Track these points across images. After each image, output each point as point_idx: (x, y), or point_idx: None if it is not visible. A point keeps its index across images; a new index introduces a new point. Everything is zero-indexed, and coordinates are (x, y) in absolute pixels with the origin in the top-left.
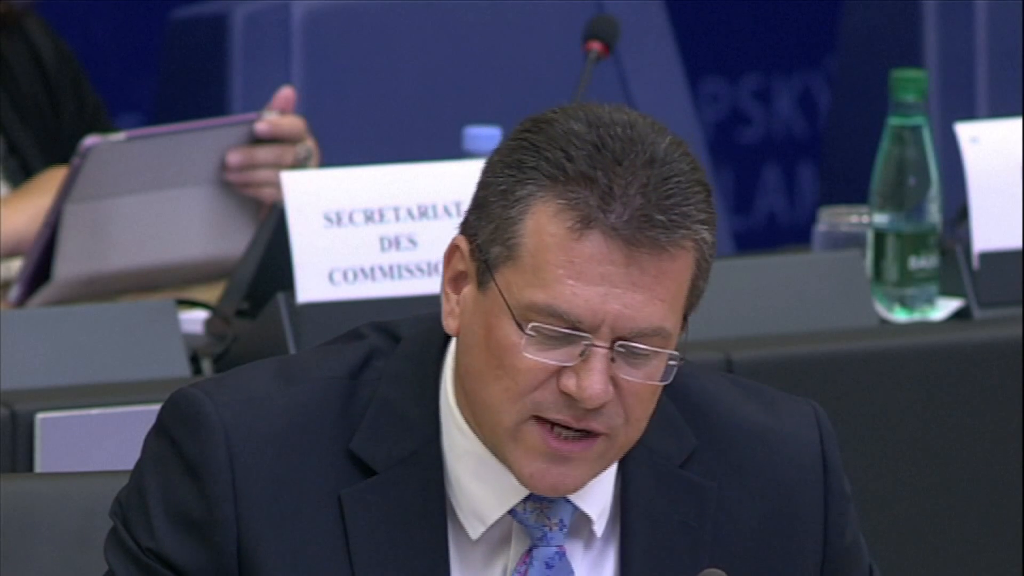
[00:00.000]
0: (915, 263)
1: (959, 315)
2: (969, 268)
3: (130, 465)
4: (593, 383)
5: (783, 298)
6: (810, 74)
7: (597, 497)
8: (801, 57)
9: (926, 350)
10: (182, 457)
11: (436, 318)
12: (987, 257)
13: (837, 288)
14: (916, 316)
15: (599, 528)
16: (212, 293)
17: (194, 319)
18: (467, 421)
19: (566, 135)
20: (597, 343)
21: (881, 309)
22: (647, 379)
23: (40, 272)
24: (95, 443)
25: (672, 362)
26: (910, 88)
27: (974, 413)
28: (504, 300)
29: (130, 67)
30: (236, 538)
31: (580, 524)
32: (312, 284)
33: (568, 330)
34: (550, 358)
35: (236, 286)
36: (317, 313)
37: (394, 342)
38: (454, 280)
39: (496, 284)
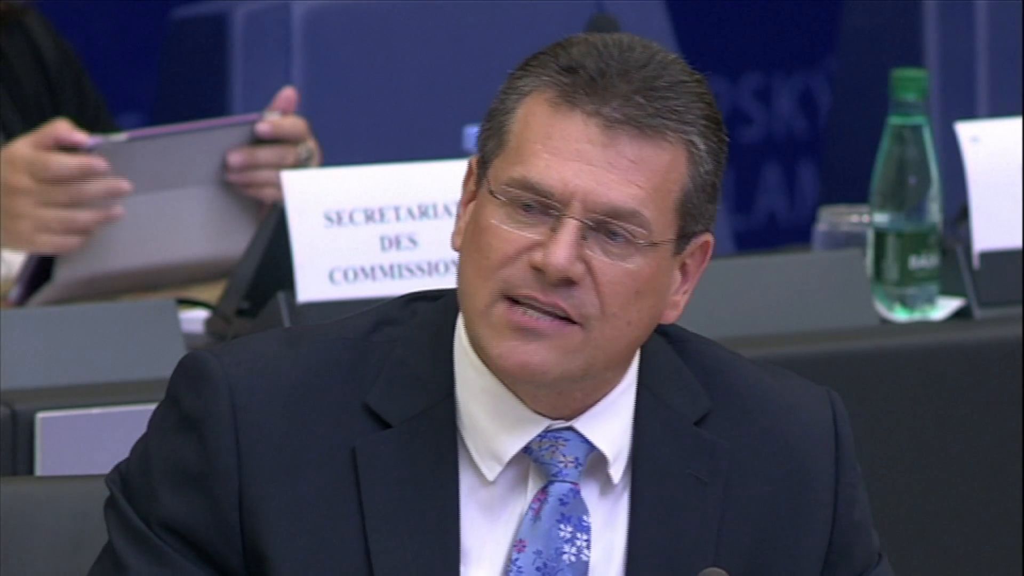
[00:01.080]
0: (915, 262)
1: (959, 315)
2: (969, 267)
3: None
4: (559, 251)
5: (783, 298)
6: (811, 74)
7: (611, 436)
8: (802, 57)
9: (926, 350)
10: (182, 413)
11: (450, 294)
12: (987, 256)
13: (837, 288)
14: (916, 316)
15: (616, 473)
16: (213, 292)
17: (194, 318)
18: (479, 357)
19: (574, 43)
20: (567, 215)
21: (881, 309)
22: (618, 260)
23: (41, 272)
24: (95, 443)
25: (641, 241)
26: (910, 87)
27: (974, 413)
28: (489, 188)
29: (131, 66)
30: (237, 489)
31: (596, 467)
32: (312, 283)
33: (538, 198)
34: (522, 231)
35: (236, 285)
36: (317, 312)
37: (410, 313)
38: (466, 202)
39: (487, 177)
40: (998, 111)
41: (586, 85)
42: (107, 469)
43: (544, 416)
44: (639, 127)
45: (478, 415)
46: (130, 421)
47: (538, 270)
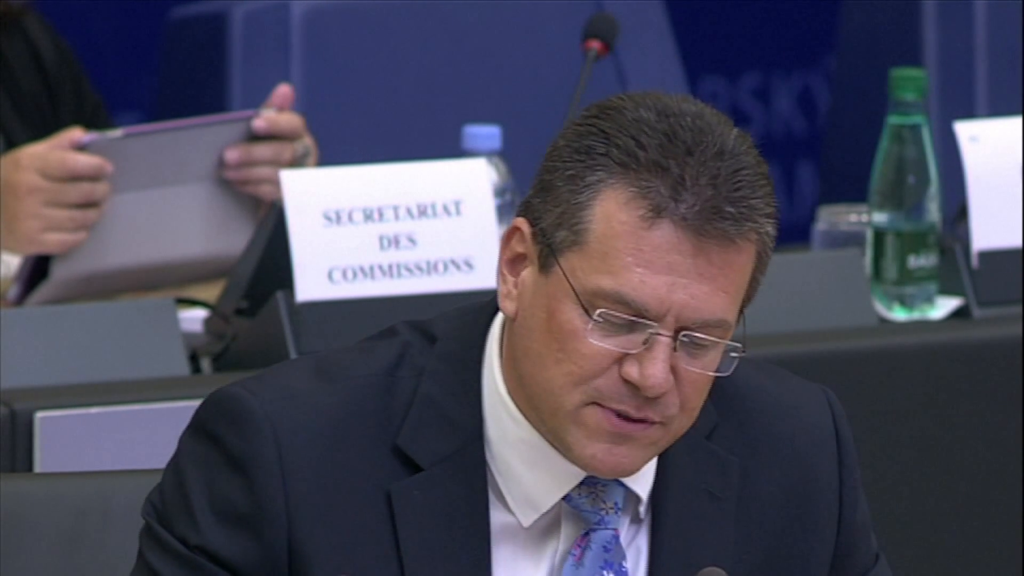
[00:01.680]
0: (914, 262)
1: (958, 314)
2: (968, 267)
3: (129, 464)
4: (656, 372)
5: (782, 297)
6: (809, 73)
7: (646, 477)
8: (800, 56)
9: (925, 349)
10: (228, 454)
11: (469, 312)
12: (986, 256)
13: (836, 287)
14: (915, 315)
15: (643, 509)
16: (211, 292)
17: (193, 318)
18: (519, 408)
19: (636, 123)
20: (662, 332)
21: (880, 308)
22: (706, 369)
23: (38, 270)
24: (94, 442)
25: (733, 354)
26: (909, 87)
27: (974, 412)
28: (569, 284)
29: (129, 66)
30: (287, 533)
31: (630, 503)
32: (311, 283)
33: (634, 318)
34: (614, 344)
35: (235, 285)
36: (316, 312)
37: (428, 340)
38: (511, 262)
39: (561, 268)
40: (997, 110)
41: (672, 189)
42: (106, 468)
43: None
44: (727, 233)
45: (515, 464)
46: (129, 420)
47: (630, 383)
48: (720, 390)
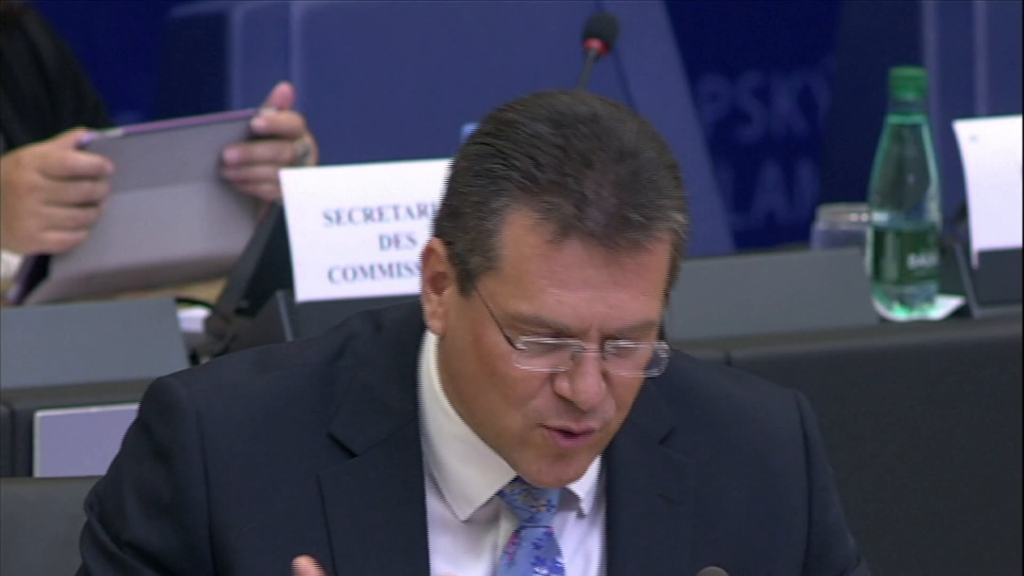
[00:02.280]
0: (914, 261)
1: (958, 313)
2: (968, 266)
3: None
4: (587, 387)
5: (782, 297)
6: (809, 72)
7: (584, 477)
8: (801, 55)
9: (925, 349)
10: (154, 442)
11: (417, 305)
12: (986, 255)
13: (836, 287)
14: (915, 314)
15: (586, 506)
16: (211, 291)
17: (193, 317)
18: (454, 407)
19: (532, 139)
20: (587, 346)
21: (880, 307)
22: (636, 369)
23: (38, 270)
24: (94, 441)
25: (663, 354)
26: (909, 86)
27: (974, 412)
28: (489, 310)
29: (129, 66)
30: (207, 521)
31: (568, 501)
32: (311, 282)
33: (557, 340)
34: (542, 366)
35: (235, 284)
36: (316, 311)
37: (375, 329)
38: (433, 281)
39: (479, 294)
40: (997, 110)
41: (575, 207)
42: (106, 468)
43: None
44: (637, 240)
45: (450, 460)
46: (129, 420)
47: (565, 398)
48: (681, 394)
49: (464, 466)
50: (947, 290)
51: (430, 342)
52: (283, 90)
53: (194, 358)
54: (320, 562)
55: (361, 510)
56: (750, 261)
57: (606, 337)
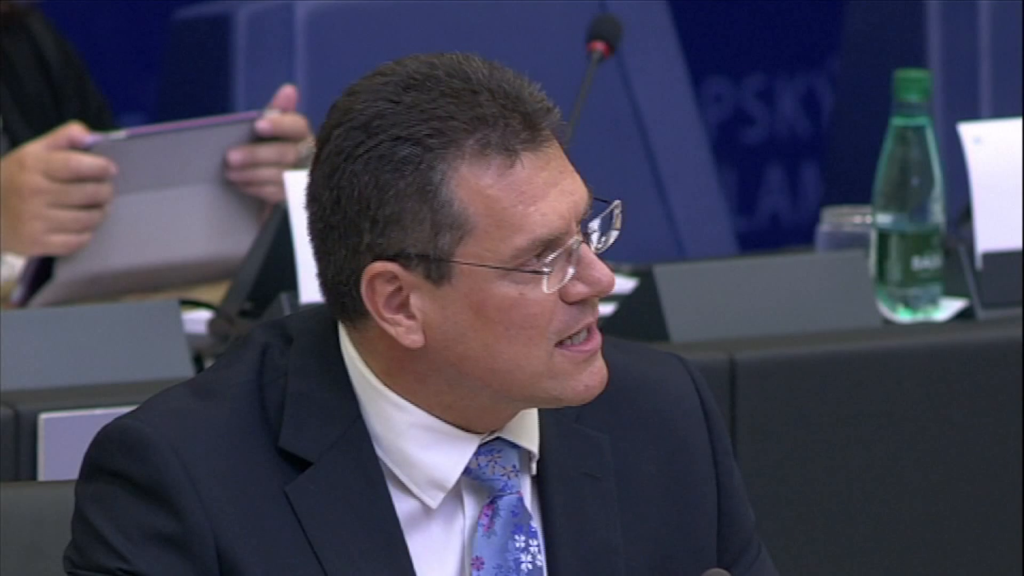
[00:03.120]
0: (918, 263)
1: (962, 315)
2: (972, 268)
3: None
4: (601, 270)
5: (786, 298)
6: (813, 74)
7: (531, 433)
8: (804, 57)
9: (929, 351)
10: (134, 485)
11: (315, 310)
12: (990, 257)
13: (840, 288)
14: (919, 316)
15: (534, 464)
16: (216, 293)
17: (197, 319)
18: (401, 396)
19: (411, 109)
20: (581, 240)
21: (884, 309)
22: (607, 244)
23: (42, 272)
24: None
25: (617, 211)
26: (913, 88)
27: (978, 413)
28: (486, 268)
29: (133, 67)
30: (214, 545)
31: (523, 464)
32: (315, 284)
33: (560, 249)
34: (561, 279)
35: (239, 286)
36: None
37: (284, 339)
38: (388, 304)
39: (464, 265)
40: (1001, 112)
41: (498, 128)
42: None
43: (473, 432)
44: (547, 125)
45: (409, 450)
46: None
47: (576, 302)
48: None
49: (427, 452)
50: (951, 292)
51: (346, 344)
52: (287, 92)
53: (198, 360)
54: (313, 571)
55: (334, 516)
56: (754, 263)
57: (583, 219)
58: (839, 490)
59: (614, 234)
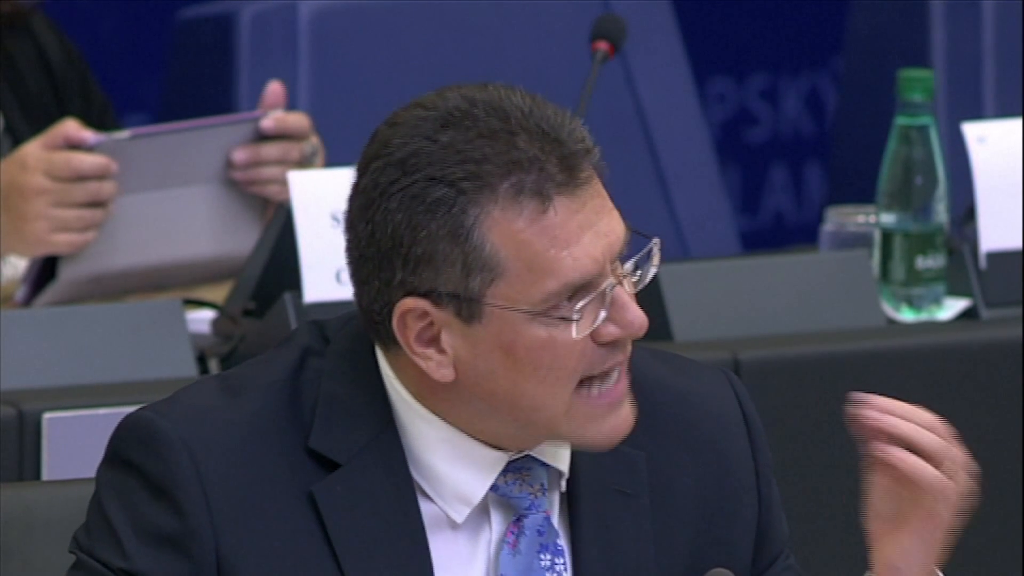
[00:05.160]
0: (922, 263)
1: (966, 315)
2: (976, 268)
3: None
4: (635, 312)
5: (790, 298)
6: (817, 74)
7: (562, 451)
8: (808, 57)
9: (933, 350)
10: (146, 479)
11: (352, 315)
12: (994, 257)
13: (844, 288)
14: (923, 316)
15: (564, 482)
16: (219, 293)
17: (201, 319)
18: (431, 411)
19: (446, 149)
20: (615, 281)
21: (888, 309)
22: (644, 282)
23: (46, 271)
24: (102, 443)
25: (656, 250)
26: (917, 88)
27: (981, 413)
28: (517, 312)
29: (137, 67)
30: (214, 548)
31: (552, 482)
32: (319, 284)
33: (593, 293)
34: (592, 323)
35: (243, 286)
36: (324, 313)
37: (324, 340)
38: (420, 339)
39: (495, 307)
40: (1005, 111)
41: (534, 171)
42: None
43: (502, 450)
44: (586, 166)
45: (437, 464)
46: None
47: (607, 343)
48: None
49: (453, 467)
50: (955, 291)
51: (384, 365)
52: (275, 88)
53: (202, 360)
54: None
55: (359, 519)
56: (758, 262)
57: (617, 260)
58: (843, 489)
59: (652, 271)
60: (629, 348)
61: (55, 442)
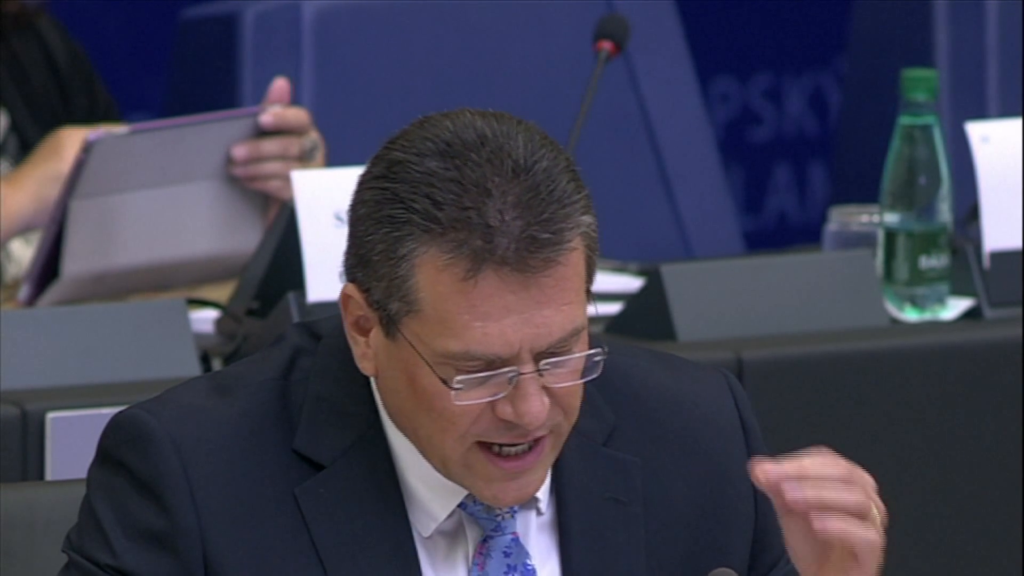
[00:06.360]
0: (926, 262)
1: (970, 315)
2: (980, 267)
3: None
4: (531, 407)
5: (794, 298)
6: (821, 74)
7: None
8: (812, 57)
9: (937, 350)
10: (134, 477)
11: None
12: (998, 256)
13: (848, 288)
14: (927, 316)
15: (544, 504)
16: (223, 292)
17: (205, 318)
18: (398, 427)
19: (425, 178)
20: (522, 369)
21: (892, 309)
22: (575, 377)
23: (48, 270)
24: None
25: (598, 358)
26: (921, 87)
27: (984, 413)
28: (418, 352)
29: (141, 67)
30: (201, 546)
31: (528, 502)
32: (322, 283)
33: (491, 371)
34: (481, 396)
35: (247, 285)
36: (327, 312)
37: (315, 340)
38: (356, 324)
39: (405, 336)
40: (1008, 111)
41: (483, 239)
42: None
43: None
44: (549, 257)
45: (407, 475)
46: None
47: (509, 421)
48: (618, 392)
49: (420, 484)
50: (958, 291)
51: None
52: (281, 84)
53: (205, 359)
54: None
55: (343, 522)
56: (761, 262)
57: (539, 355)
58: None
59: (565, 375)
60: (533, 433)
61: (59, 442)
